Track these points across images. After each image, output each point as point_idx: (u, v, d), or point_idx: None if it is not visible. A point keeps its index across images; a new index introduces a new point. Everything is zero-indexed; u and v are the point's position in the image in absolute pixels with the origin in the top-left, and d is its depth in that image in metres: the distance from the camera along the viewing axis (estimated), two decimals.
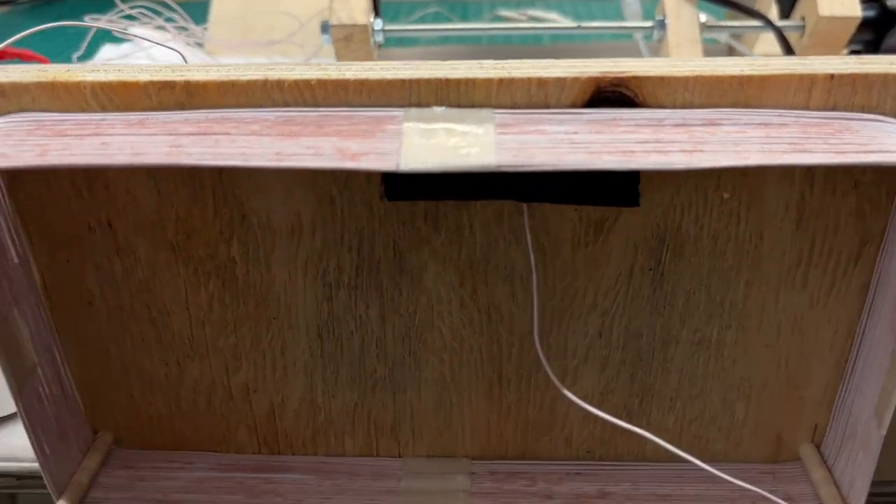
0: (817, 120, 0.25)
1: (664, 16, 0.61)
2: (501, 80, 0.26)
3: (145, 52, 0.72)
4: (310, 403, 0.34)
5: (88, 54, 0.71)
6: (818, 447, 0.34)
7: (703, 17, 0.60)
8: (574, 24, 0.61)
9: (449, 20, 0.91)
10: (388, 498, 0.33)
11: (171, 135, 0.25)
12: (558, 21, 0.87)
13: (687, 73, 0.26)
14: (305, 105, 0.27)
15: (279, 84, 0.26)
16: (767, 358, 0.32)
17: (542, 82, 0.26)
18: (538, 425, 0.34)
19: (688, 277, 0.30)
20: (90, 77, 0.26)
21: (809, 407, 0.33)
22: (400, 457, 0.35)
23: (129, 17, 0.71)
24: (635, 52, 0.65)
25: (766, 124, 0.25)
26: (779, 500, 0.30)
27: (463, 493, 0.33)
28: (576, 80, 0.26)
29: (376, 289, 0.31)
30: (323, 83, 0.26)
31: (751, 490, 0.31)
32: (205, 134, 0.25)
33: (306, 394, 0.34)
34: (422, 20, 0.88)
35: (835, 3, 0.57)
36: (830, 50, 0.59)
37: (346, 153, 0.24)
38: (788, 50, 0.59)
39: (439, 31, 0.64)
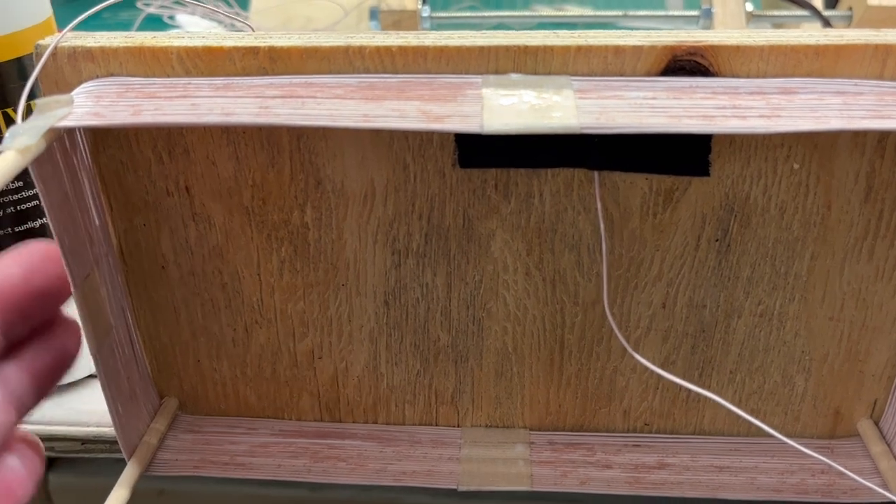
0: (894, 89, 0.26)
1: (711, 5, 0.61)
2: (579, 48, 0.27)
3: None
4: (373, 371, 0.35)
5: None
6: (877, 423, 0.34)
7: (749, 6, 0.61)
8: (620, 13, 0.61)
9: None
10: (450, 465, 0.34)
11: (257, 97, 0.26)
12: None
13: (762, 43, 0.26)
14: (385, 72, 0.27)
15: (360, 50, 0.27)
16: (830, 331, 0.32)
17: (618, 50, 0.27)
18: (597, 397, 0.35)
19: (753, 249, 0.30)
20: (176, 43, 0.27)
21: (870, 381, 0.33)
22: (459, 426, 0.36)
23: (179, 3, 0.72)
24: None
25: (842, 92, 0.25)
26: (842, 469, 0.30)
27: (523, 461, 0.34)
28: (652, 48, 0.26)
29: (444, 256, 0.32)
30: (403, 50, 0.27)
31: (813, 459, 0.31)
32: (290, 97, 0.26)
33: (370, 361, 0.34)
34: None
35: None
36: None
37: (431, 115, 0.25)
38: None
39: (487, 18, 0.64)
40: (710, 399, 0.34)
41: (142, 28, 0.73)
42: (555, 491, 0.32)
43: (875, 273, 0.30)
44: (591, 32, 0.27)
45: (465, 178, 0.30)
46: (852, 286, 0.31)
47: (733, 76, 0.27)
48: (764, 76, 0.27)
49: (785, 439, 0.29)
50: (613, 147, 0.28)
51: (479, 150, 0.29)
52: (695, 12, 0.61)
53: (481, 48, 0.27)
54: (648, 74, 0.27)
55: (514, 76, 0.27)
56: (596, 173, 0.29)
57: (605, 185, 0.30)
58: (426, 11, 0.62)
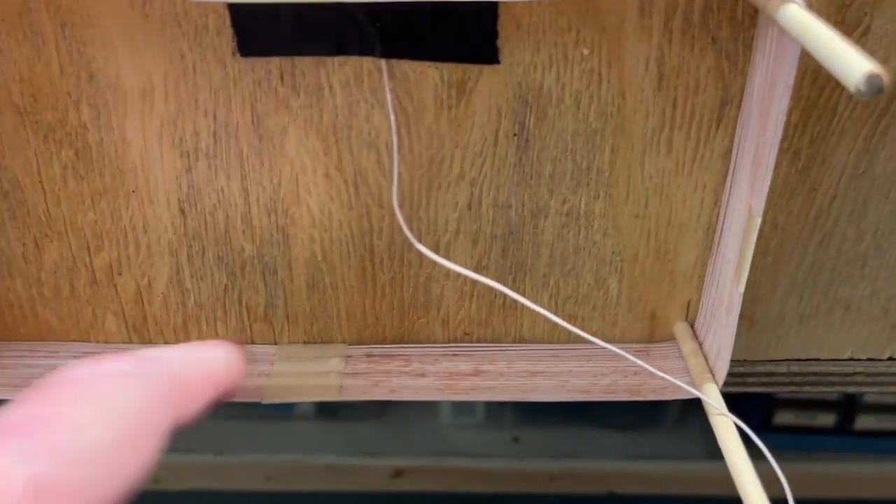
0: None
1: None
2: None
3: None
4: (178, 286, 0.33)
5: None
6: (692, 325, 0.34)
7: None
8: None
9: None
10: (258, 380, 0.32)
11: None
12: None
13: None
14: None
15: None
16: (637, 229, 0.32)
17: None
18: (414, 307, 0.34)
19: (553, 142, 0.30)
20: None
21: (681, 282, 0.33)
22: (276, 343, 0.35)
23: None
24: None
25: None
26: (651, 369, 0.30)
27: (335, 374, 0.33)
28: None
29: (237, 157, 0.30)
30: None
31: (628, 362, 0.30)
32: None
33: (173, 276, 0.33)
34: None
35: None
36: None
37: None
38: None
39: None
40: (527, 307, 0.33)
41: None
42: (364, 400, 0.32)
43: (675, 167, 0.30)
44: None
45: (249, 69, 0.28)
46: (654, 181, 0.30)
47: None
48: None
49: (590, 337, 0.29)
50: (397, 34, 0.27)
51: (257, 36, 0.27)
52: None
53: None
54: None
55: None
56: (384, 62, 0.28)
57: (394, 76, 0.28)
58: None
